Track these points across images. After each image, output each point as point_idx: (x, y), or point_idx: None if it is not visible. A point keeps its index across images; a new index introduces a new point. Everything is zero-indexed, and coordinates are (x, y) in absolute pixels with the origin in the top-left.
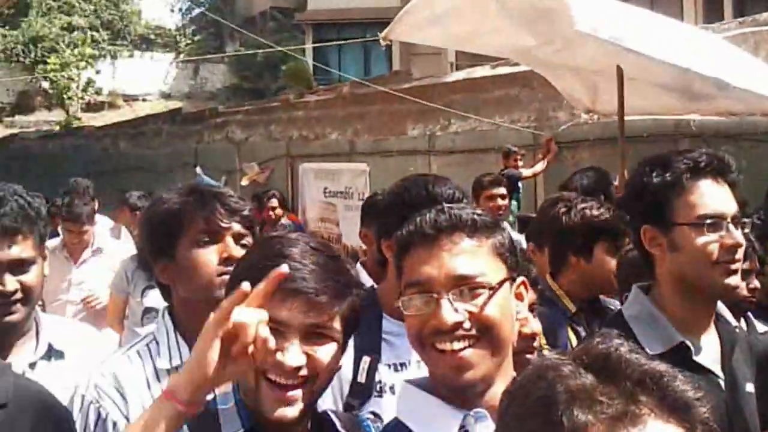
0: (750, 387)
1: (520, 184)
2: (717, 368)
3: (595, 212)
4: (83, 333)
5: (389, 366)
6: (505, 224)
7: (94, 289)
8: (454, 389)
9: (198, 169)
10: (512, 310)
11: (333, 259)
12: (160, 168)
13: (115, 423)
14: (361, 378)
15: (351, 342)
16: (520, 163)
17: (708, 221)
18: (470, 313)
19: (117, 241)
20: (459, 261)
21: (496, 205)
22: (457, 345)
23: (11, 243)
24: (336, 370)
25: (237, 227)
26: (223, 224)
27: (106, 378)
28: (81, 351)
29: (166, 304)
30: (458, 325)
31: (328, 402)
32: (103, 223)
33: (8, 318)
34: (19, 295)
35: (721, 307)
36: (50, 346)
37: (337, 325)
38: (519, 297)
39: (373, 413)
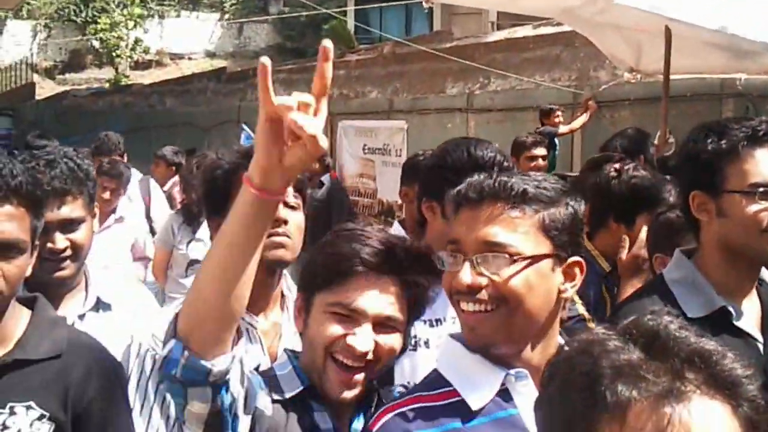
0: None
1: (557, 142)
2: (757, 332)
3: (646, 183)
4: (129, 287)
5: (424, 321)
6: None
7: (114, 255)
8: (474, 350)
9: (243, 126)
10: (548, 287)
11: (407, 250)
12: (204, 125)
13: None
14: None
15: None
16: (559, 121)
17: (760, 189)
18: (491, 280)
19: (135, 207)
20: (492, 228)
21: (536, 166)
22: (471, 306)
23: (61, 204)
24: (394, 357)
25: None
26: None
27: (162, 327)
28: (127, 304)
29: None
30: (474, 288)
31: None
32: (135, 176)
33: (59, 273)
34: (68, 252)
35: (765, 273)
36: (98, 299)
37: (404, 317)
38: (568, 276)
39: (404, 386)
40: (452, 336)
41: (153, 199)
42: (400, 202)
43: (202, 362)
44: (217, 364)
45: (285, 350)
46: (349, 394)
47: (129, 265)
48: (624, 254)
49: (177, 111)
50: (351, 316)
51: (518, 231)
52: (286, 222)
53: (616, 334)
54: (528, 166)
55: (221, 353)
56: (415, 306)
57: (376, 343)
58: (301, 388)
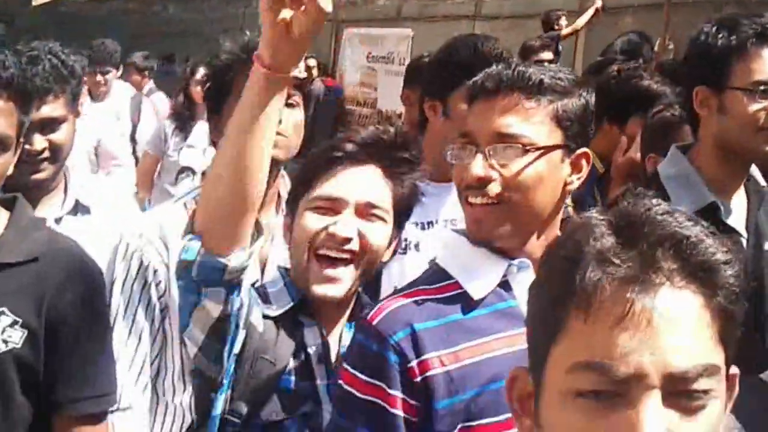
0: None
1: (560, 48)
2: (743, 229)
3: (643, 85)
4: (111, 190)
5: (416, 224)
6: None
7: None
8: (477, 243)
9: (247, 33)
10: (557, 178)
11: (390, 138)
12: (206, 33)
13: (156, 270)
14: None
15: None
16: (563, 24)
17: (761, 88)
18: (501, 173)
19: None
20: (507, 119)
21: None
22: (479, 200)
23: (42, 103)
24: (384, 253)
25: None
26: None
27: (152, 227)
28: (108, 207)
29: (201, 163)
30: (485, 180)
31: None
32: (124, 91)
33: (36, 176)
34: (47, 154)
35: (753, 169)
36: (77, 202)
37: (389, 206)
38: (575, 167)
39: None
40: (455, 231)
41: (142, 120)
42: (399, 111)
43: (219, 259)
44: (233, 259)
45: (278, 267)
46: (333, 291)
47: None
48: (620, 155)
49: (179, 18)
50: (332, 208)
51: (532, 121)
52: (279, 121)
53: (606, 218)
54: None
55: (238, 248)
56: (401, 202)
57: (360, 234)
58: (291, 304)
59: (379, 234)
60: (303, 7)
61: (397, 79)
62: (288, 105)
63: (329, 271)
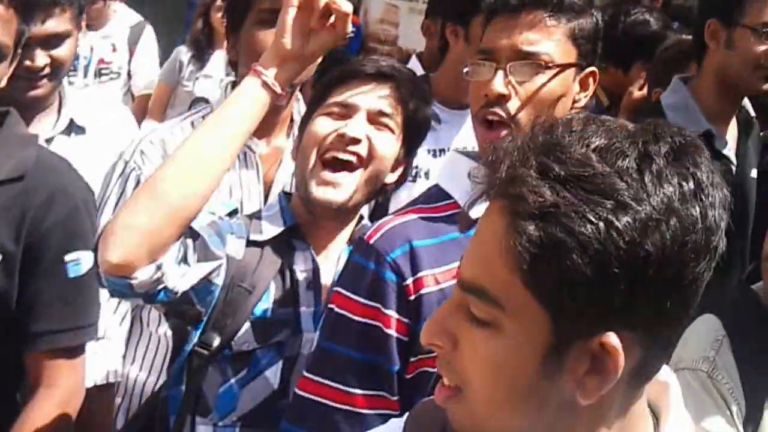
0: (754, 173)
1: None
2: (733, 156)
3: (648, 30)
4: (109, 110)
5: (428, 151)
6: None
7: None
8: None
9: None
10: (568, 96)
11: (406, 70)
12: None
13: None
14: None
15: None
16: None
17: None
18: (519, 91)
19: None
20: (529, 36)
21: None
22: (497, 117)
23: (46, 17)
24: (389, 165)
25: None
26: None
27: (154, 145)
28: (104, 128)
29: (217, 94)
30: (504, 97)
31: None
32: (125, 18)
33: (33, 93)
34: (47, 71)
35: (745, 101)
36: (72, 122)
37: (398, 119)
38: (584, 85)
39: None
40: (460, 152)
41: (138, 51)
42: (420, 51)
43: (124, 280)
44: (139, 276)
45: (279, 193)
46: (334, 195)
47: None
48: (636, 90)
49: None
50: (344, 114)
51: (552, 39)
52: None
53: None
54: None
55: (149, 263)
56: (412, 124)
57: (369, 139)
58: (283, 228)
59: (387, 142)
60: (330, 22)
61: (420, 18)
62: None
63: (332, 175)
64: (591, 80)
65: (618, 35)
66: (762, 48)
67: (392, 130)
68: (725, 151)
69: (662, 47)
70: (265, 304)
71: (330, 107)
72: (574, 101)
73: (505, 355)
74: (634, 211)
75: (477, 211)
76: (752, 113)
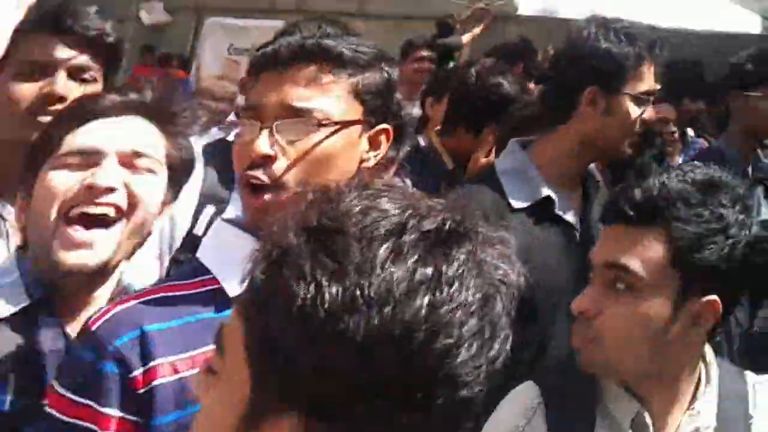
0: None
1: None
2: (576, 221)
3: (502, 91)
4: None
5: None
6: None
7: None
8: (253, 234)
9: None
10: (352, 155)
11: (165, 89)
12: None
13: None
14: (199, 230)
15: (193, 189)
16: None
17: (646, 97)
18: (287, 151)
19: None
20: (300, 92)
21: (422, 68)
22: (262, 180)
23: None
24: (155, 217)
25: (81, 59)
26: (55, 54)
27: None
28: None
29: None
30: (270, 158)
31: (151, 254)
32: None
33: None
34: None
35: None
36: None
37: (161, 157)
38: (374, 144)
39: None
40: (225, 220)
41: None
42: None
43: None
44: None
45: (16, 251)
46: (85, 258)
47: None
48: (482, 155)
49: None
50: (87, 163)
51: (330, 95)
52: (63, 99)
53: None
54: (412, 67)
55: None
56: (178, 158)
57: (127, 186)
58: (29, 303)
59: (150, 187)
60: None
61: None
62: (82, 80)
63: (83, 234)
64: (383, 138)
65: (469, 97)
66: (638, 114)
67: (154, 172)
68: (567, 216)
69: (510, 111)
70: (1, 396)
71: (65, 158)
72: (362, 160)
73: None
74: (350, 282)
75: (235, 290)
76: (598, 176)
